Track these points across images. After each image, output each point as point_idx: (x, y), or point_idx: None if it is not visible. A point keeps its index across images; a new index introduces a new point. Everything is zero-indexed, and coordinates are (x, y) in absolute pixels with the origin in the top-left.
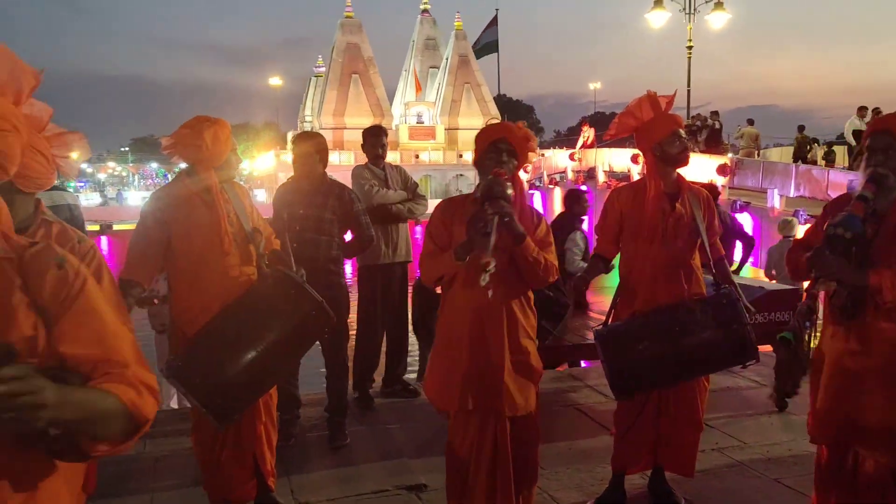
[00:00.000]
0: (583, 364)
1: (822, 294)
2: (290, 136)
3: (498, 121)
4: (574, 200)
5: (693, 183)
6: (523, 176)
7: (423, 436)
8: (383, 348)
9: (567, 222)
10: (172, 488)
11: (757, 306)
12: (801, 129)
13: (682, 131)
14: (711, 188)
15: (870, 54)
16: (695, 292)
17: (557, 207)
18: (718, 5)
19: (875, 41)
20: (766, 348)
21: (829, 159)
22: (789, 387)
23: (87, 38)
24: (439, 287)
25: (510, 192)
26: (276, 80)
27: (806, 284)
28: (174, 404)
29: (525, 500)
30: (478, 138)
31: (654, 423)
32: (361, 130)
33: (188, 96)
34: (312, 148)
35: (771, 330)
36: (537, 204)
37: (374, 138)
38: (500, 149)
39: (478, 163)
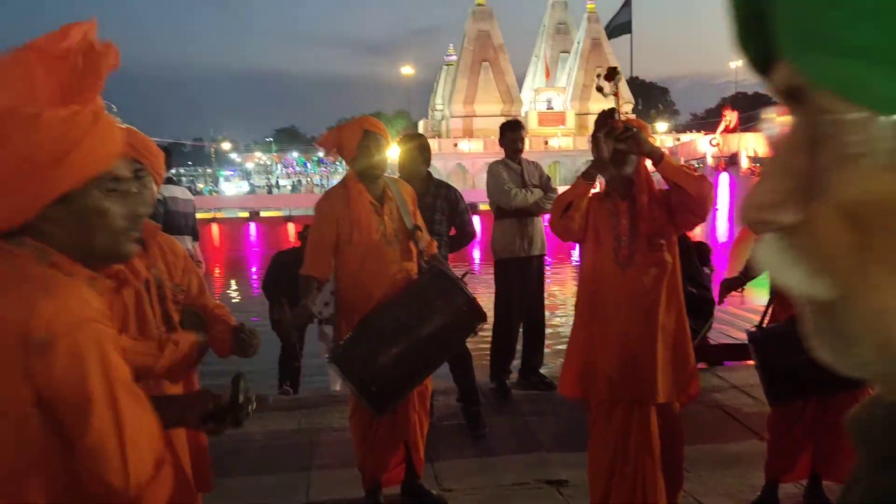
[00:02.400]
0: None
1: None
2: (420, 124)
3: (631, 104)
4: None
5: None
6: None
7: (562, 429)
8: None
9: None
10: (328, 467)
11: None
12: None
13: None
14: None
15: None
16: None
17: None
18: None
19: None
20: None
21: None
22: None
23: (228, 37)
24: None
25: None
26: (407, 70)
27: None
28: (338, 387)
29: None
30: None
31: (812, 430)
32: (491, 118)
33: (325, 88)
34: (416, 148)
35: None
36: None
37: (513, 133)
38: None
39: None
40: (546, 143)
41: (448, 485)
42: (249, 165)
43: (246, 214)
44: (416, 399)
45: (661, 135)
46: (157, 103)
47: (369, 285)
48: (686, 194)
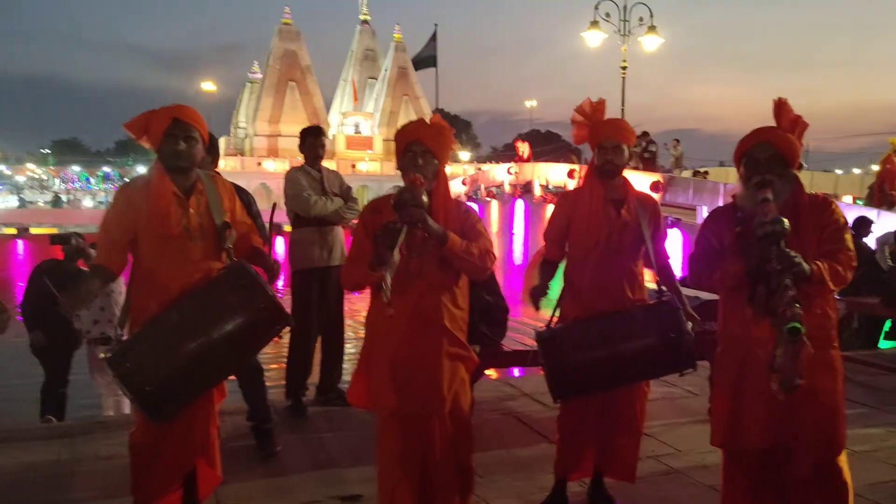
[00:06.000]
0: (517, 373)
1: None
2: (222, 141)
3: None
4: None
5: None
6: (461, 188)
7: (359, 444)
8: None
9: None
10: (89, 499)
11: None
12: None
13: (609, 143)
14: None
15: (794, 83)
16: (638, 298)
17: (495, 220)
18: (651, 29)
19: (798, 70)
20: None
21: None
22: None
23: None
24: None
25: (425, 197)
26: (209, 86)
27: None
28: (112, 412)
29: None
30: (395, 140)
31: (596, 429)
32: (297, 138)
33: (114, 99)
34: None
35: (703, 339)
36: None
37: (314, 139)
38: (414, 152)
39: (399, 167)
40: (354, 166)
41: None
42: (21, 179)
43: (13, 231)
44: (216, 415)
45: (465, 164)
46: None
47: (166, 282)
48: (459, 266)
